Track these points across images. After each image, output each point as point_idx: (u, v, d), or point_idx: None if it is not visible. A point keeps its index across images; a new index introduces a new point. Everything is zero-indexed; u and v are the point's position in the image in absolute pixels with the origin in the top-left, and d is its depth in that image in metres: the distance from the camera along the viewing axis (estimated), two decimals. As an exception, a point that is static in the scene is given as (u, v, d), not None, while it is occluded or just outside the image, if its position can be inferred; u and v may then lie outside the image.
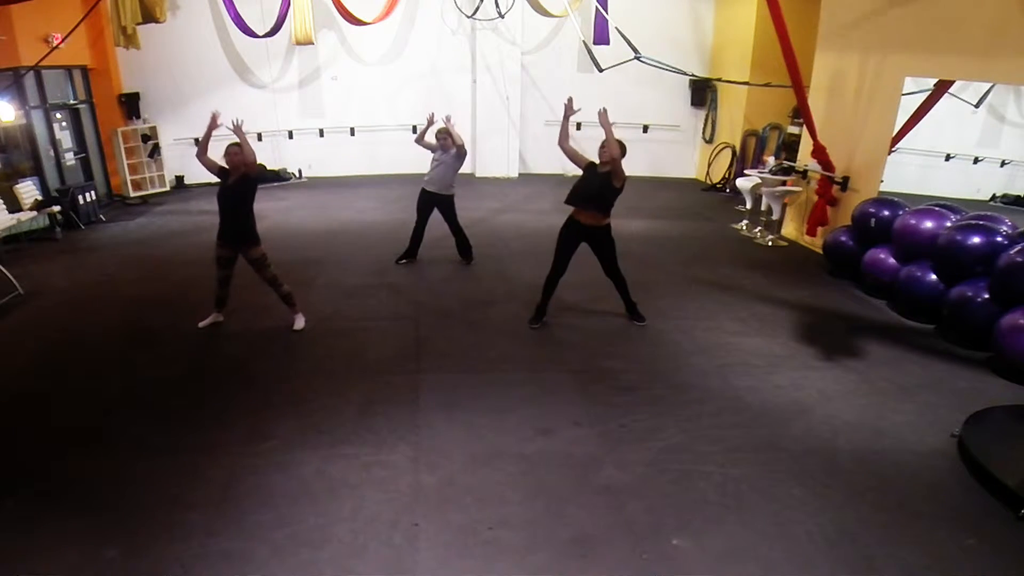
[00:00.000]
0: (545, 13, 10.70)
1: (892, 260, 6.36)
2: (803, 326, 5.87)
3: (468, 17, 11.25)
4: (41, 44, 8.69)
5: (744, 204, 9.30)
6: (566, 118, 5.62)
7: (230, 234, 5.36)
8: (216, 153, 5.35)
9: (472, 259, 7.39)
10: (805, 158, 8.22)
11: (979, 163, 9.20)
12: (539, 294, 5.76)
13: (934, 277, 5.83)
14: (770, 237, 8.57)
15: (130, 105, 10.90)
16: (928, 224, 6.04)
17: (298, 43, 10.71)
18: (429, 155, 7.14)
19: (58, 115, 9.40)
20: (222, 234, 5.40)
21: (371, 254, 7.74)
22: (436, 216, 7.14)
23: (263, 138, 11.89)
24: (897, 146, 7.42)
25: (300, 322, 5.67)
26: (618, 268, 5.70)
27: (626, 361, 5.15)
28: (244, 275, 5.65)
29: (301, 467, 3.77)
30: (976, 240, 5.51)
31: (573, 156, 5.57)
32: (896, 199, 6.77)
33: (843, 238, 7.10)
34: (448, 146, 6.91)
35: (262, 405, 4.45)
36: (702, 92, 12.21)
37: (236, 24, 10.11)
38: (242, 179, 5.24)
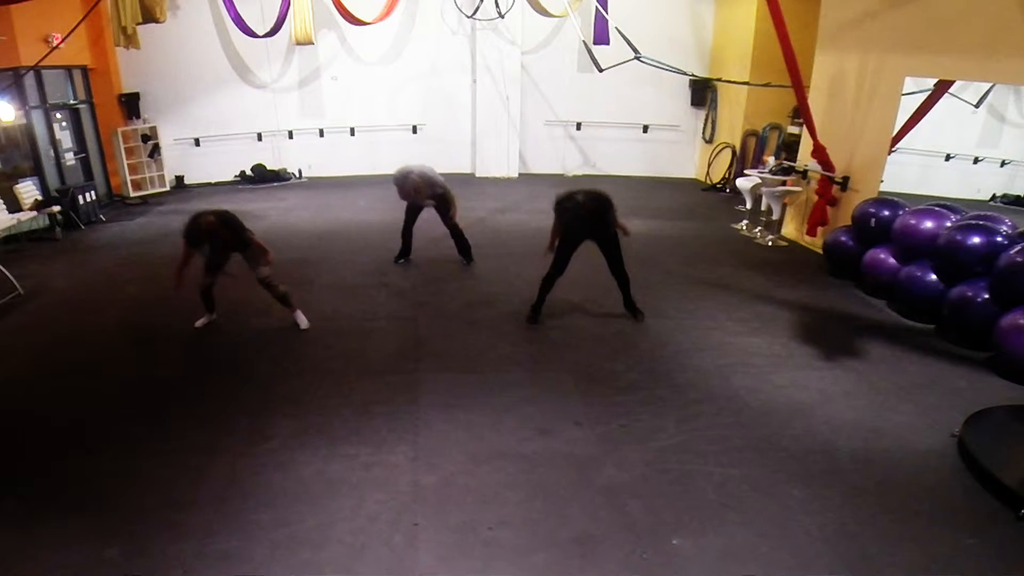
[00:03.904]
0: (545, 13, 10.69)
1: (892, 260, 6.35)
2: (803, 326, 5.87)
3: (468, 17, 11.24)
4: (41, 44, 8.68)
5: (744, 204, 9.29)
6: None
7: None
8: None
9: (472, 259, 7.38)
10: (805, 158, 8.21)
11: (979, 163, 9.20)
12: (537, 293, 5.76)
13: (934, 277, 5.82)
14: (770, 237, 8.57)
15: (130, 105, 10.90)
16: (928, 224, 6.04)
17: (298, 43, 10.70)
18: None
19: (58, 115, 9.40)
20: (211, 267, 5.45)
21: (371, 254, 7.73)
22: (435, 216, 7.11)
23: (263, 138, 11.91)
24: (897, 146, 7.41)
25: (303, 320, 5.63)
26: (624, 267, 5.72)
27: (626, 361, 5.15)
28: (244, 277, 5.65)
29: (301, 467, 3.77)
30: (976, 240, 5.51)
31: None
32: (896, 199, 6.77)
33: (843, 238, 7.09)
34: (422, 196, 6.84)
35: (262, 405, 4.45)
36: (702, 92, 12.20)
37: (236, 24, 10.11)
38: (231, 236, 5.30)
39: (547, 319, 5.84)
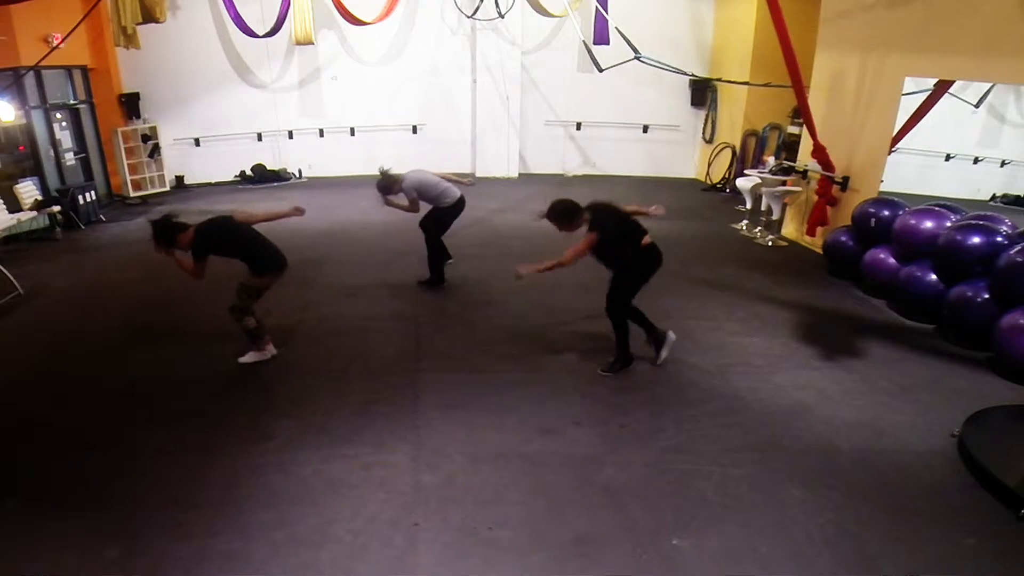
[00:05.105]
0: (545, 13, 10.70)
1: (892, 260, 6.36)
2: (803, 326, 5.87)
3: (468, 17, 11.25)
4: (41, 44, 8.69)
5: (744, 204, 9.29)
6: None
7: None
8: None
9: (439, 284, 6.69)
10: (805, 158, 8.21)
11: (979, 163, 9.20)
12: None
13: (934, 277, 5.82)
14: (770, 237, 8.56)
15: (130, 105, 10.90)
16: (928, 224, 6.04)
17: (298, 43, 10.72)
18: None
19: (58, 115, 9.40)
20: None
21: (371, 254, 7.74)
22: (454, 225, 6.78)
23: (263, 138, 11.92)
24: (897, 146, 7.41)
25: (251, 358, 5.06)
26: (620, 306, 4.87)
27: (626, 361, 5.14)
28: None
29: (301, 467, 3.77)
30: (976, 240, 5.51)
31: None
32: (896, 199, 6.77)
33: (843, 238, 7.09)
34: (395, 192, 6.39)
35: (262, 405, 4.46)
36: (702, 92, 12.21)
37: (236, 24, 10.12)
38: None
39: (547, 320, 5.85)
